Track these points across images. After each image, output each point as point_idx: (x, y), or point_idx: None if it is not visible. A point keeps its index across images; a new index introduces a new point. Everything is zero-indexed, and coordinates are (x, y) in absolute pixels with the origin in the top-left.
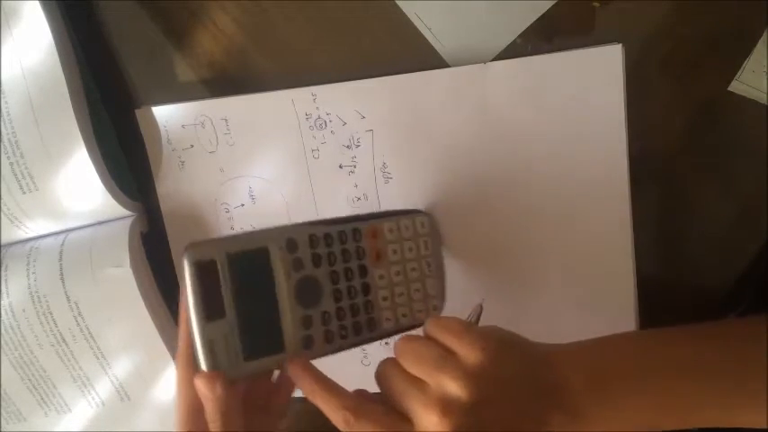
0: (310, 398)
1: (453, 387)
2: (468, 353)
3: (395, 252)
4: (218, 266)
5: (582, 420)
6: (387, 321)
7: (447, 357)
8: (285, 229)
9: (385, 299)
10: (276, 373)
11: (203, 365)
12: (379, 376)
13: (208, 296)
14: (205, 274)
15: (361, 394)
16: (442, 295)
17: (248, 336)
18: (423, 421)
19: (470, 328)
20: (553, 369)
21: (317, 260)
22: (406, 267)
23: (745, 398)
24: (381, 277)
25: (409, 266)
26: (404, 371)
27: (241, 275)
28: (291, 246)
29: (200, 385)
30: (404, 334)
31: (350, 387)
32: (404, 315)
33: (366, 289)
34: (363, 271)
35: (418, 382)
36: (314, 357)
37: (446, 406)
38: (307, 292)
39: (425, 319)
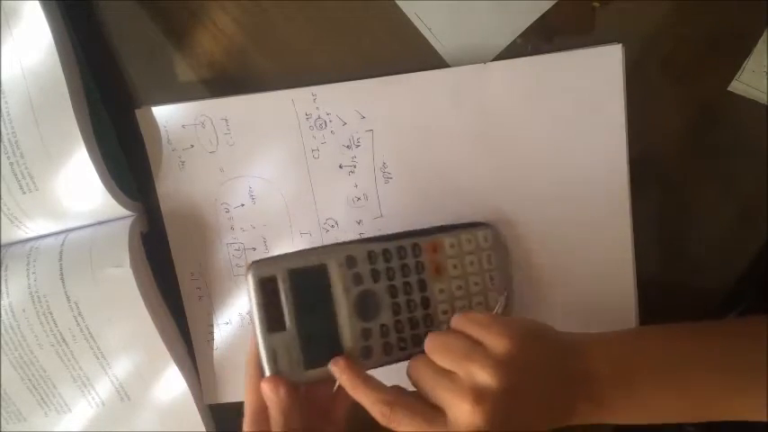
0: (351, 392)
1: (483, 376)
2: (496, 342)
3: (455, 267)
4: (279, 282)
5: (607, 409)
6: None
7: (475, 348)
8: (345, 247)
9: (445, 312)
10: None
11: (267, 371)
12: (411, 371)
13: (269, 309)
14: (267, 289)
15: (398, 389)
16: (508, 308)
17: (308, 346)
18: (455, 410)
19: (497, 318)
20: (580, 358)
21: (375, 275)
22: (468, 281)
23: None
24: (441, 291)
25: (471, 280)
26: (434, 364)
27: (300, 290)
28: (350, 262)
29: (265, 388)
30: (435, 332)
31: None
32: None
33: (426, 303)
34: (423, 285)
35: (448, 374)
36: (373, 367)
37: (478, 394)
38: (365, 306)
39: None
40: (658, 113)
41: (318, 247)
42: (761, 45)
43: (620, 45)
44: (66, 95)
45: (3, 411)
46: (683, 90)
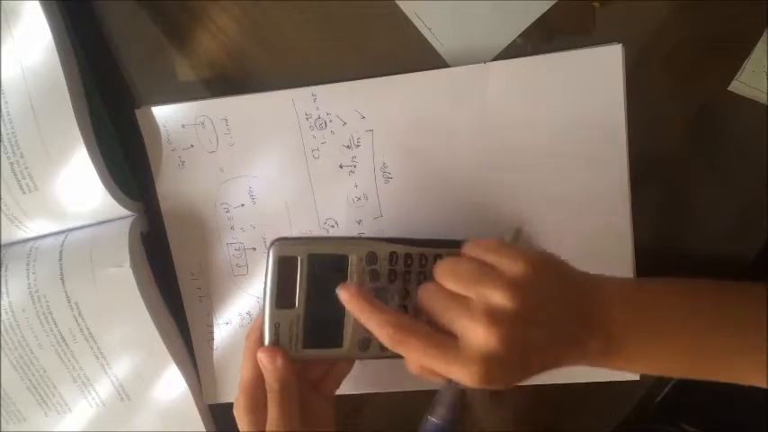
0: (359, 317)
1: (497, 296)
2: (511, 264)
3: None
4: (298, 263)
5: (618, 355)
6: None
7: (488, 271)
8: (369, 243)
9: None
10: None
11: (266, 342)
12: (421, 298)
13: (283, 287)
14: (285, 267)
15: (407, 314)
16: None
17: (311, 328)
18: (468, 333)
19: (510, 244)
20: (595, 297)
21: (392, 276)
22: None
23: None
24: None
25: None
26: (445, 289)
27: (317, 275)
28: (371, 258)
29: (262, 357)
30: (446, 258)
31: (350, 385)
32: None
33: None
34: None
35: (460, 298)
36: (366, 358)
37: (492, 316)
38: None
39: None
40: (658, 113)
41: (343, 237)
42: (761, 45)
43: (620, 45)
44: (66, 95)
45: (3, 411)
46: (683, 90)
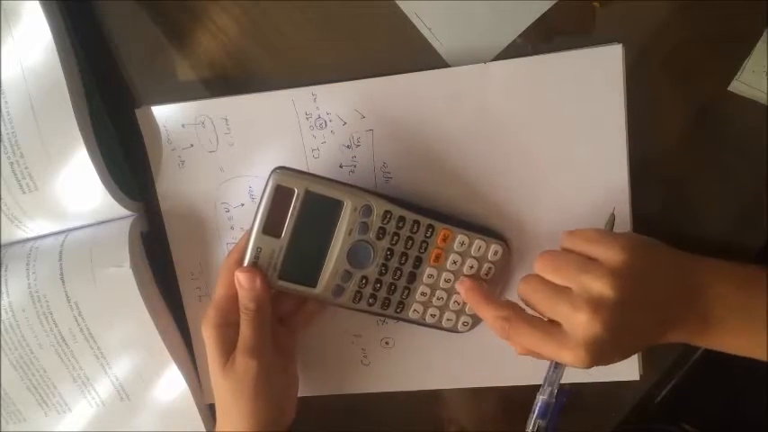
0: (475, 308)
1: (599, 286)
2: (611, 254)
3: (454, 262)
4: (294, 196)
5: (715, 332)
6: (414, 312)
7: (589, 262)
8: (367, 196)
9: (423, 294)
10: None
11: (245, 262)
12: (524, 291)
13: (274, 214)
14: (281, 196)
15: (516, 306)
16: (478, 321)
17: (291, 260)
18: (572, 321)
19: (606, 232)
20: (696, 276)
21: (381, 233)
22: (455, 279)
23: None
24: (430, 276)
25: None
26: (547, 281)
27: (309, 212)
28: (366, 211)
29: (241, 276)
30: (545, 251)
31: (350, 385)
32: (432, 315)
33: (411, 278)
34: (417, 263)
35: (563, 290)
36: (338, 306)
37: (595, 305)
38: (358, 254)
39: (449, 327)
40: (658, 113)
41: (344, 184)
42: (761, 45)
43: (620, 45)
44: (67, 95)
45: (3, 411)
46: (683, 90)
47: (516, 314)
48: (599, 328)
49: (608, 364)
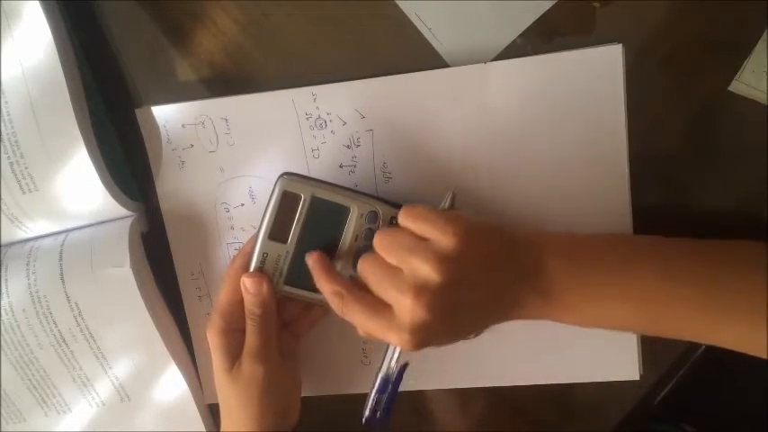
0: (316, 281)
1: (425, 270)
2: (440, 237)
3: None
4: (301, 202)
5: (558, 304)
6: None
7: (419, 243)
8: (374, 202)
9: None
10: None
11: (252, 268)
12: (361, 270)
13: (280, 220)
14: (287, 202)
15: (354, 283)
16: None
17: (296, 266)
18: (399, 304)
19: (440, 213)
20: (533, 250)
21: None
22: None
23: (724, 314)
24: None
25: None
26: (382, 260)
27: (316, 218)
28: (372, 218)
29: (247, 281)
30: (382, 230)
31: (349, 385)
32: None
33: None
34: None
35: (394, 270)
36: None
37: (419, 288)
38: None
39: None
40: (658, 113)
41: (351, 190)
42: (761, 45)
43: (620, 45)
44: (67, 95)
45: (3, 411)
46: (683, 90)
47: (350, 292)
48: (423, 312)
49: (438, 346)
